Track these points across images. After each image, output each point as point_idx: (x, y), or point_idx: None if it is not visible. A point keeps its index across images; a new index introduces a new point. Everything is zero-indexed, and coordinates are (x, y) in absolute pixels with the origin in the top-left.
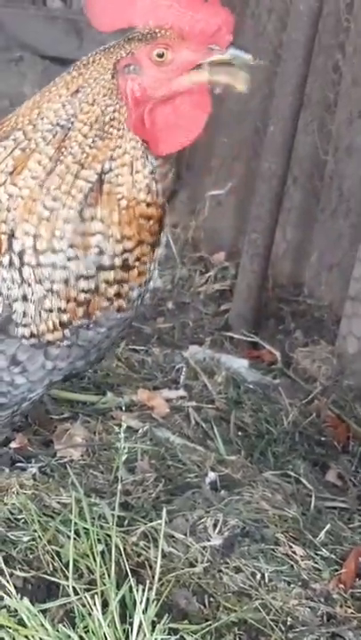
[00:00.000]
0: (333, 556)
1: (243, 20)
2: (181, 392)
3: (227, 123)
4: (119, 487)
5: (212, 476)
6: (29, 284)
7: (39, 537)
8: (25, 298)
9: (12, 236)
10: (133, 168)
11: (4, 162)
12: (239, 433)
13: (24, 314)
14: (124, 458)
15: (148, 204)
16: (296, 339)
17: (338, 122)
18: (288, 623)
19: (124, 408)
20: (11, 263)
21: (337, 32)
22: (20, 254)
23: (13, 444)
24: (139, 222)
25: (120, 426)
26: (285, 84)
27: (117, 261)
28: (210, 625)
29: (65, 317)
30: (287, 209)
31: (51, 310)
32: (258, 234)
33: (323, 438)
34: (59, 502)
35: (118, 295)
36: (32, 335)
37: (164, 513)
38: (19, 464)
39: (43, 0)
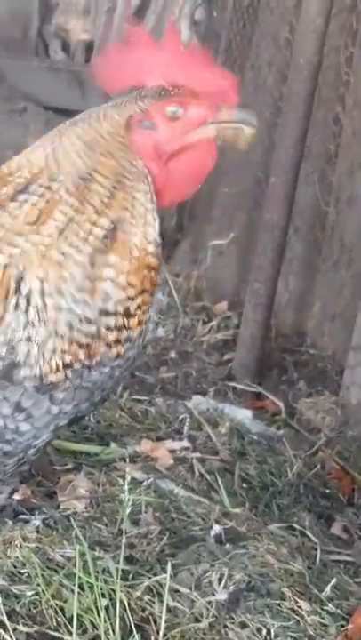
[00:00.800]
0: (340, 612)
1: (243, 73)
2: (185, 443)
3: (228, 173)
4: (123, 540)
5: (216, 528)
6: (34, 325)
7: (43, 591)
8: (29, 339)
9: (21, 279)
10: (146, 220)
11: (28, 212)
12: (244, 485)
13: (27, 354)
14: (128, 510)
15: (153, 255)
16: (300, 389)
17: (339, 173)
18: None
19: (127, 459)
20: (17, 306)
21: (337, 85)
22: (27, 296)
23: (16, 496)
24: (143, 272)
25: (124, 477)
26: (286, 135)
27: (120, 308)
28: None
29: (67, 359)
30: (289, 259)
31: (54, 351)
32: (260, 283)
33: (327, 490)
34: (62, 555)
35: (117, 341)
36: (34, 377)
37: (169, 567)
38: (22, 516)
39: (45, 51)
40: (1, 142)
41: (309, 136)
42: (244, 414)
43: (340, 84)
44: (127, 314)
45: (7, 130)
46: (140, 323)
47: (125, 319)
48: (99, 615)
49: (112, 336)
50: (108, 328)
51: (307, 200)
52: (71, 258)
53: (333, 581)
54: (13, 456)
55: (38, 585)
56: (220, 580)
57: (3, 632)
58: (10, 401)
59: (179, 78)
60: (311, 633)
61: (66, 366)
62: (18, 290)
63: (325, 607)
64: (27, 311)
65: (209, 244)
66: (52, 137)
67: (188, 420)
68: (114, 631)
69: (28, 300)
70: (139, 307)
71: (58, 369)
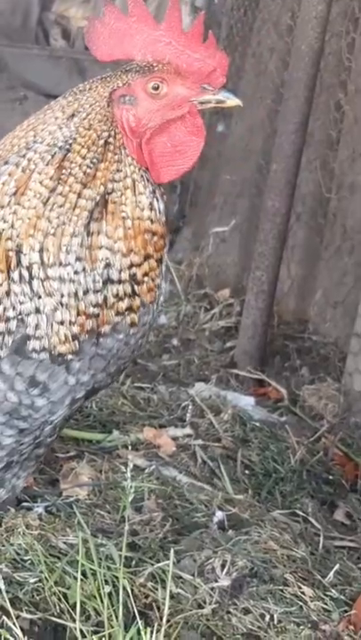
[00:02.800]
0: (343, 597)
1: (244, 60)
2: (188, 430)
3: (230, 161)
4: (126, 527)
5: (219, 515)
6: (40, 297)
7: (46, 578)
8: (37, 310)
9: (19, 252)
10: (136, 190)
11: (7, 184)
12: (246, 471)
13: (37, 326)
14: (130, 497)
15: (152, 221)
16: (302, 376)
17: (340, 160)
18: None
19: (130, 446)
20: (21, 277)
21: (339, 71)
22: (29, 268)
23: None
24: (144, 237)
25: (126, 465)
26: (288, 122)
27: (125, 275)
28: None
29: (75, 330)
30: (291, 246)
31: (62, 322)
32: (262, 271)
33: (330, 477)
34: (65, 543)
35: (130, 309)
36: (44, 349)
37: (171, 554)
38: (25, 504)
39: (46, 39)
40: (2, 131)
41: (311, 122)
42: (246, 401)
43: (341, 70)
44: (135, 281)
45: (8, 118)
46: (150, 289)
47: (134, 286)
48: (102, 602)
49: (123, 304)
50: (117, 296)
51: (308, 187)
52: (63, 228)
53: (336, 567)
54: (30, 434)
55: (41, 572)
56: (222, 566)
57: (6, 619)
58: (24, 376)
59: (167, 53)
60: (314, 618)
61: (74, 337)
62: (19, 262)
63: (328, 593)
64: (30, 283)
65: (211, 232)
66: (42, 110)
67: (190, 407)
68: (117, 617)
69: (31, 273)
70: (146, 273)
71: (67, 339)
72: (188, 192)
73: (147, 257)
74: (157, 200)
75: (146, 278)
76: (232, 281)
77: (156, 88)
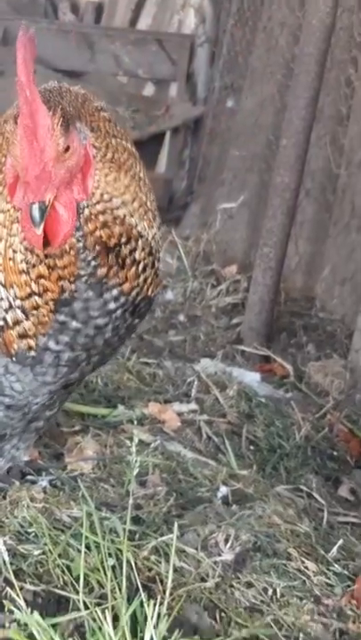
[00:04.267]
0: (346, 572)
1: (255, 34)
2: (193, 405)
3: (239, 136)
4: (130, 501)
5: (223, 490)
6: None
7: (49, 551)
8: None
9: None
10: (10, 229)
11: None
12: (251, 447)
13: None
14: (135, 472)
15: (28, 263)
16: (308, 352)
17: (350, 135)
18: (300, 639)
19: (135, 421)
20: None
21: (350, 47)
22: None
23: (24, 457)
24: (22, 277)
25: (131, 439)
26: (298, 97)
27: (14, 304)
28: None
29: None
30: (299, 222)
31: None
32: (270, 247)
33: (335, 453)
34: (69, 516)
35: (25, 336)
36: None
37: (175, 528)
38: (29, 477)
39: (54, 13)
40: (10, 104)
41: (321, 98)
42: (252, 377)
43: (352, 45)
44: (24, 312)
45: (17, 93)
46: (40, 323)
47: (23, 317)
48: (105, 574)
49: (18, 329)
50: (13, 322)
51: (318, 163)
52: None
53: (340, 542)
54: (17, 410)
55: (45, 544)
56: (226, 540)
57: (10, 590)
58: (1, 363)
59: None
60: (317, 593)
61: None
62: None
63: (332, 568)
64: None
65: (219, 208)
66: None
67: (195, 382)
68: (120, 590)
69: None
70: (35, 307)
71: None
72: (196, 168)
73: (31, 294)
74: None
75: (35, 312)
76: (239, 257)
77: None
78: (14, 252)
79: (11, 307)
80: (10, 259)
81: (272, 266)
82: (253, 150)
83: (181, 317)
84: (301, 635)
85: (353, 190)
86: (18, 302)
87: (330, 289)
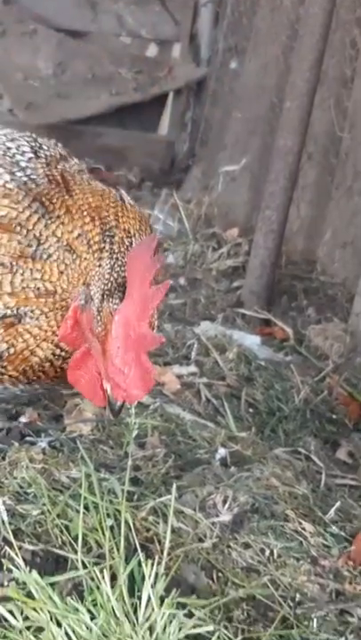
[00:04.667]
0: (343, 534)
1: None
2: (192, 368)
3: (242, 98)
4: (129, 462)
5: (222, 452)
6: None
7: (48, 511)
8: None
9: None
10: (42, 339)
11: None
12: (250, 410)
13: None
14: (134, 433)
15: (46, 360)
16: (309, 316)
17: (355, 98)
18: (297, 599)
19: None
20: None
21: (354, 7)
22: None
23: (23, 419)
24: (27, 366)
25: None
26: (302, 59)
27: None
28: (218, 600)
29: None
30: (302, 186)
31: None
32: (272, 210)
33: (334, 416)
34: (68, 477)
35: None
36: None
37: (173, 489)
38: (28, 438)
39: None
40: (11, 64)
41: (326, 60)
42: (252, 340)
43: (357, 5)
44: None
45: (18, 52)
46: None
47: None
48: (103, 535)
49: None
50: None
51: (321, 125)
52: None
53: (337, 504)
54: None
55: (44, 505)
56: (224, 501)
57: (9, 549)
58: None
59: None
60: (314, 554)
61: None
62: None
63: (329, 529)
64: None
65: (221, 171)
66: None
67: (195, 345)
68: (118, 550)
69: None
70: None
71: None
72: (198, 130)
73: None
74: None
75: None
76: (241, 220)
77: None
78: (43, 349)
79: None
80: (31, 352)
81: (274, 229)
82: (256, 113)
83: (182, 281)
84: (298, 595)
85: (356, 153)
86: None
87: (331, 252)
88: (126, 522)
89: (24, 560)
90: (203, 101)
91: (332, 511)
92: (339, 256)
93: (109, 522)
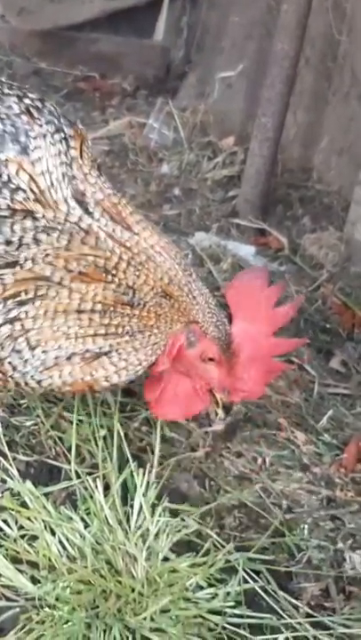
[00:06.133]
0: (335, 442)
1: None
2: None
3: (239, 1)
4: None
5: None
6: None
7: (42, 422)
8: None
9: None
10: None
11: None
12: None
13: None
14: None
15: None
16: (304, 225)
17: (353, 0)
18: (288, 506)
19: None
20: None
21: None
22: None
23: None
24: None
25: None
26: None
27: None
28: (210, 505)
29: None
30: (298, 92)
31: None
32: (268, 117)
33: (328, 325)
34: None
35: None
36: None
37: None
38: None
39: None
40: None
41: None
42: (247, 250)
43: None
44: None
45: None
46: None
47: None
48: (96, 445)
49: None
50: None
51: (319, 29)
52: None
53: (330, 413)
54: None
55: (38, 416)
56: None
57: (3, 460)
58: None
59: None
60: (306, 462)
61: None
62: None
63: (321, 437)
64: None
65: (217, 77)
66: None
67: (190, 256)
68: (111, 460)
69: None
70: None
71: None
72: (194, 35)
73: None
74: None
75: None
76: (237, 128)
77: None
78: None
79: None
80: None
81: (270, 136)
82: (253, 16)
83: (176, 191)
84: (290, 502)
85: (353, 58)
86: None
87: (327, 160)
88: (119, 433)
89: (18, 471)
90: (199, 5)
91: (324, 419)
92: (335, 163)
93: (102, 432)
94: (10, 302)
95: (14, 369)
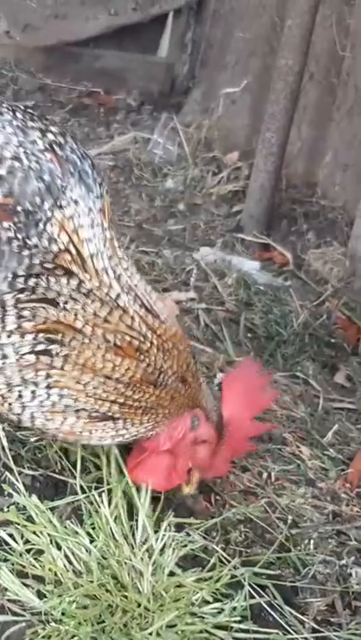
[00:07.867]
0: (340, 456)
1: None
2: (191, 294)
3: (243, 17)
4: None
5: (220, 377)
6: None
7: None
8: None
9: None
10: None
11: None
12: (249, 335)
13: None
14: None
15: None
16: (308, 240)
17: (357, 16)
18: (294, 521)
19: None
20: None
21: None
22: None
23: None
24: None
25: None
26: None
27: None
28: (215, 520)
29: None
30: (303, 107)
31: None
32: (272, 132)
33: (332, 340)
34: None
35: None
36: None
37: None
38: None
39: None
40: None
41: None
42: (251, 265)
43: None
44: None
45: None
46: None
47: None
48: (102, 459)
49: None
50: None
51: (323, 44)
52: None
53: (335, 427)
54: None
55: None
56: None
57: (9, 475)
58: None
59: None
60: (311, 477)
61: None
62: None
63: (326, 452)
64: None
65: (221, 92)
66: None
67: (194, 271)
68: (117, 474)
69: None
70: None
71: None
72: (198, 51)
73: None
74: None
75: None
76: (241, 144)
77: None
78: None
79: None
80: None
81: (274, 151)
82: (257, 32)
83: (181, 206)
84: (295, 517)
85: (357, 73)
86: None
87: (332, 175)
88: (124, 446)
89: (24, 485)
90: (203, 21)
91: (329, 434)
92: (339, 179)
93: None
94: (41, 336)
95: (19, 397)
